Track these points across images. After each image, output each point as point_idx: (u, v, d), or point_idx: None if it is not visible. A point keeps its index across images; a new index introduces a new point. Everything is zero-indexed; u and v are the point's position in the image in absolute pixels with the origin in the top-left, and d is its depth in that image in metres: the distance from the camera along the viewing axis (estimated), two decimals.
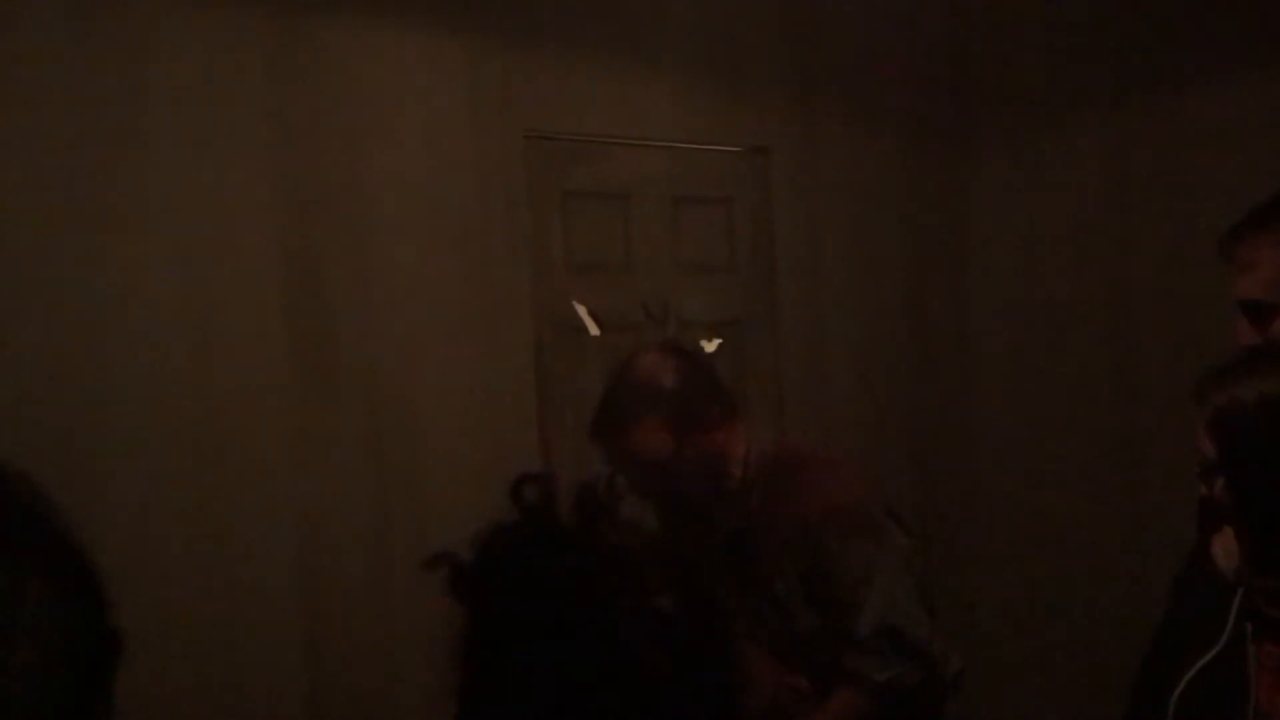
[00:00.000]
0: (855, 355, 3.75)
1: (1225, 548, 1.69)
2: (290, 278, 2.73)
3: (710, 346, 3.49)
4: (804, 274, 3.65)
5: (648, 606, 1.03)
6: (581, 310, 3.25)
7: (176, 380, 2.57)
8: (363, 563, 2.80)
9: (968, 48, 3.94)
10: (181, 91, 2.58)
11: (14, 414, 2.32)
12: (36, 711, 0.62)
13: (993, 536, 3.94)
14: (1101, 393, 3.74)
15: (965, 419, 3.98)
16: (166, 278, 2.56)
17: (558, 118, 3.17)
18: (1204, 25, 3.47)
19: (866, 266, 3.79)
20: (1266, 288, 2.01)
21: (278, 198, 2.71)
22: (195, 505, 2.56)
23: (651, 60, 3.34)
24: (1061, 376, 3.82)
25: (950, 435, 3.96)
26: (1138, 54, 3.61)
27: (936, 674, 2.28)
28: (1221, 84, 3.47)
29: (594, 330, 3.26)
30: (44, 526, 0.69)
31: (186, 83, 2.59)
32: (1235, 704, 1.60)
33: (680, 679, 1.02)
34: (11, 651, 0.62)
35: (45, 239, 2.42)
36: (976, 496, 3.96)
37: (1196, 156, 3.50)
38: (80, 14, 2.46)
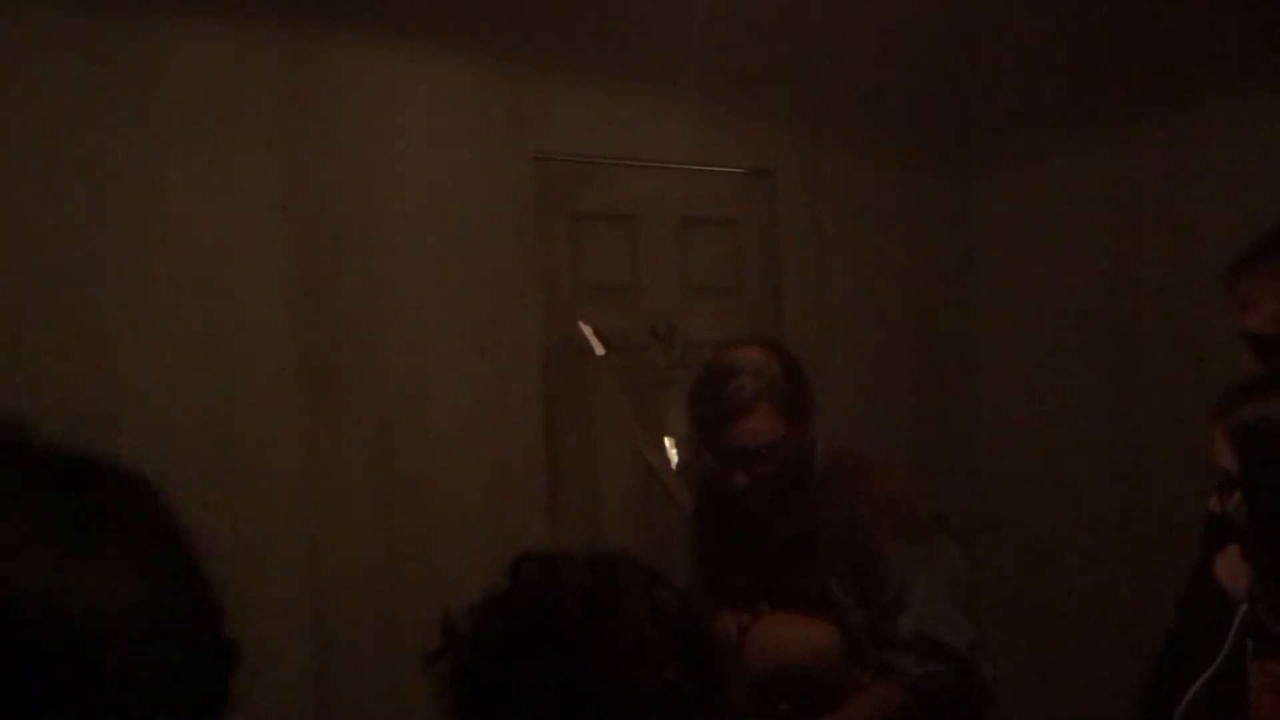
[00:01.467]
0: (861, 375, 3.76)
1: (1229, 567, 1.69)
2: (301, 298, 2.75)
3: None
4: (810, 294, 3.67)
5: (652, 679, 1.03)
6: (588, 330, 3.27)
7: (187, 400, 2.58)
8: (372, 582, 2.81)
9: (973, 70, 3.97)
10: (193, 114, 2.61)
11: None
12: None
13: (998, 554, 3.94)
14: (1106, 409, 3.75)
15: (971, 436, 3.99)
16: (177, 299, 2.58)
17: (566, 139, 3.20)
18: (1209, 46, 3.49)
19: (871, 287, 3.81)
20: (1271, 321, 2.00)
21: (289, 219, 2.74)
22: (205, 522, 2.57)
23: (659, 83, 3.36)
24: (1067, 394, 3.83)
25: (956, 452, 3.97)
26: (1142, 75, 3.63)
27: (973, 679, 2.36)
28: (1226, 103, 3.49)
29: (600, 351, 3.28)
30: (164, 536, 0.68)
31: (198, 106, 2.61)
32: None
33: None
34: (135, 675, 0.62)
35: (59, 262, 2.44)
36: (982, 513, 3.96)
37: (1200, 176, 3.52)
38: (93, 42, 2.49)
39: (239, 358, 2.65)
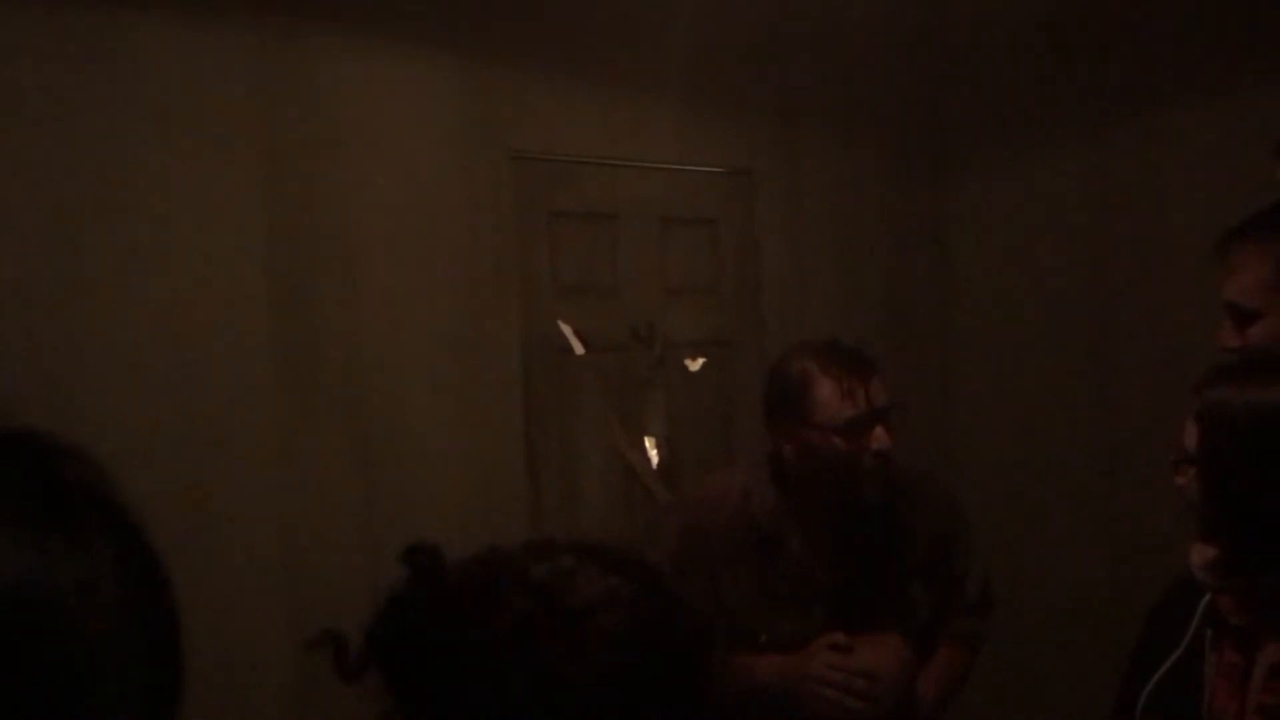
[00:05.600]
0: None
1: (1201, 554, 1.70)
2: (277, 297, 2.74)
3: (695, 366, 3.51)
4: (789, 293, 3.68)
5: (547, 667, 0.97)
6: (568, 330, 3.27)
7: (162, 395, 2.58)
8: (349, 581, 2.80)
9: (948, 68, 3.99)
10: (168, 110, 2.60)
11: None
12: (119, 703, 0.61)
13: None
14: (1083, 408, 3.77)
15: (948, 433, 4.00)
16: (153, 294, 2.57)
17: (544, 138, 3.20)
18: (1182, 43, 3.51)
19: (850, 285, 3.82)
20: (1245, 293, 2.11)
21: (265, 218, 2.73)
22: (181, 516, 2.56)
23: (637, 82, 3.37)
24: (1043, 392, 3.85)
25: (933, 449, 3.97)
26: (1116, 73, 3.65)
27: None
28: (1200, 101, 3.51)
29: (580, 350, 3.28)
30: (110, 508, 0.68)
31: (173, 101, 2.61)
32: (1192, 710, 1.62)
33: None
34: (93, 643, 0.61)
35: (32, 253, 2.44)
36: None
37: (1175, 174, 3.54)
38: (67, 35, 2.49)
39: (216, 358, 2.65)
